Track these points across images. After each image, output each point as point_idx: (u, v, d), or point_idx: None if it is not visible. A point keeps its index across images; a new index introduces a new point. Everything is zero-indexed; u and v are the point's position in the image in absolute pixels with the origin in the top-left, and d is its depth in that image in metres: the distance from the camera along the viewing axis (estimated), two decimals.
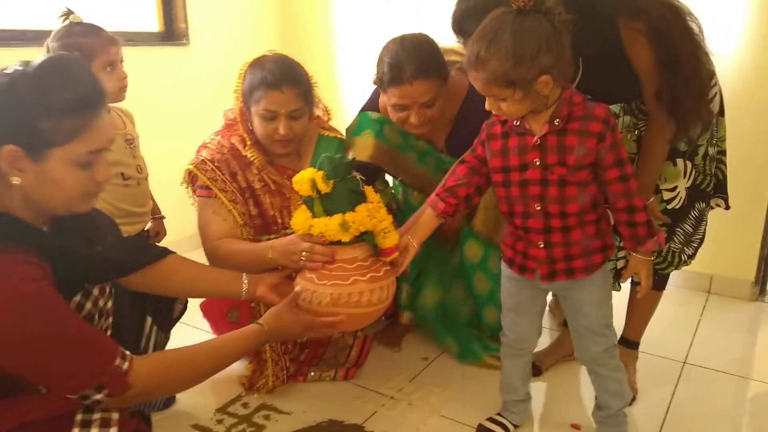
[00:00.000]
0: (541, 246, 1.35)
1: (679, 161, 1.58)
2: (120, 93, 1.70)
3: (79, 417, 1.06)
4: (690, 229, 1.67)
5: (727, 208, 1.73)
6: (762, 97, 2.21)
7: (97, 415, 1.07)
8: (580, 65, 1.44)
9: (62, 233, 1.15)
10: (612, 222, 1.40)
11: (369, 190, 1.40)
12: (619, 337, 1.84)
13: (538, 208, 1.31)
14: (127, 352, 1.07)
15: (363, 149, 1.80)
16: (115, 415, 1.08)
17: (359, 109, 1.94)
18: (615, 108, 1.62)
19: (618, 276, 1.73)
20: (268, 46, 1.88)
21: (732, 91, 1.84)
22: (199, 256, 1.65)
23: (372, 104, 1.91)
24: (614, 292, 1.52)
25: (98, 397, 1.03)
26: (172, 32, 2.93)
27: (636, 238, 1.33)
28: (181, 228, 2.26)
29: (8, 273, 0.96)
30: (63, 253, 1.06)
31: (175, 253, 1.45)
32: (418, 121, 1.71)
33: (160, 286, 1.42)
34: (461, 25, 1.46)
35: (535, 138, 1.28)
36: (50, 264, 1.03)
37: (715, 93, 1.57)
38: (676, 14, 1.38)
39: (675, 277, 2.36)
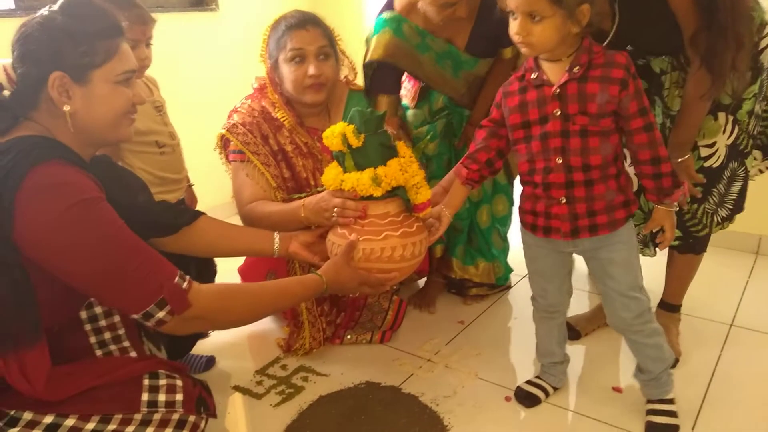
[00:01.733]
0: (563, 202, 1.31)
1: (721, 115, 1.48)
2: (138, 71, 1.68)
3: (146, 382, 1.10)
4: (723, 190, 1.58)
5: None
6: None
7: (163, 381, 1.12)
8: (617, 13, 1.37)
9: None
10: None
11: (401, 145, 1.38)
12: (659, 300, 1.80)
13: (560, 162, 1.28)
14: (186, 276, 1.12)
15: (380, 47, 1.78)
16: (179, 382, 1.13)
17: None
18: (662, 63, 1.53)
19: (645, 242, 1.68)
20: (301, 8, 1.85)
21: None
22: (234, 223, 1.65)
23: (389, 5, 1.88)
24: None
25: (161, 314, 1.06)
26: None
27: (662, 189, 1.29)
28: (214, 195, 2.27)
29: (75, 180, 1.03)
30: (110, 196, 1.09)
31: (206, 214, 1.46)
32: None
33: (193, 246, 1.43)
34: None
35: (555, 87, 1.24)
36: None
37: (766, 45, 1.45)
38: None
39: (722, 237, 2.28)
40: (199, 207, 1.74)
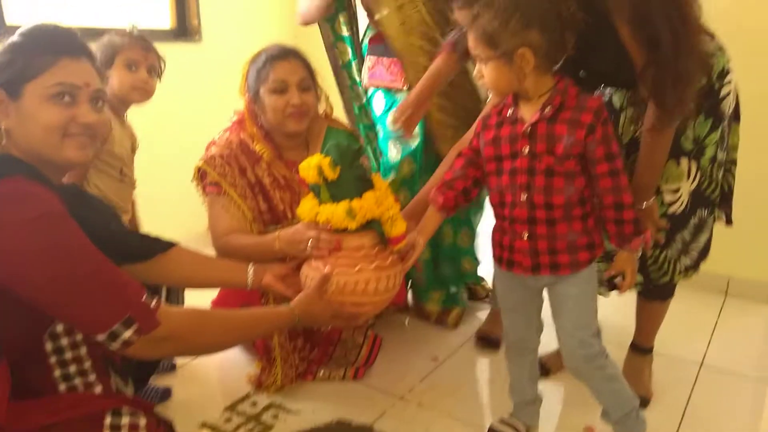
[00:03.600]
0: (526, 237, 1.32)
1: (683, 160, 1.51)
2: (132, 92, 1.69)
3: (108, 420, 1.05)
4: (688, 238, 1.59)
5: (729, 223, 1.66)
6: None
7: (125, 420, 1.06)
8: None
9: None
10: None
11: (376, 177, 1.39)
12: (631, 342, 1.80)
13: (524, 198, 1.30)
14: (155, 296, 1.09)
15: None
16: (143, 421, 1.07)
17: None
18: (621, 98, 1.56)
19: (600, 282, 1.67)
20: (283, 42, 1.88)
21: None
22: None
23: None
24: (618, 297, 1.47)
25: (127, 334, 1.02)
26: (184, 28, 2.96)
27: (623, 235, 1.31)
28: (189, 226, 2.26)
29: (38, 192, 1.00)
30: (77, 218, 1.06)
31: (180, 244, 1.45)
32: None
33: (166, 276, 1.41)
34: None
35: (526, 125, 1.28)
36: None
37: (728, 92, 1.50)
38: None
39: (691, 278, 2.30)
40: (173, 237, 1.73)
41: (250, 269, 1.47)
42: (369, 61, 2.16)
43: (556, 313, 1.41)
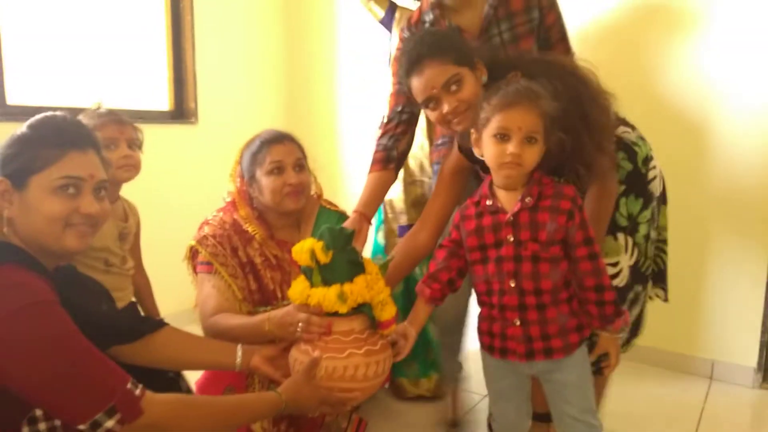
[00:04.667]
0: (518, 324, 1.35)
1: (620, 236, 1.59)
2: (118, 172, 1.66)
3: None
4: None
5: (666, 300, 1.73)
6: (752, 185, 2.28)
7: None
8: None
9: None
10: None
11: (368, 261, 1.41)
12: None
13: (513, 285, 1.33)
14: (139, 384, 1.08)
15: None
16: None
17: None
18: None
19: None
20: (275, 127, 1.95)
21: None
22: (195, 331, 1.63)
23: None
24: None
25: (109, 423, 1.01)
26: (182, 111, 3.06)
27: (605, 317, 1.34)
28: (176, 302, 2.25)
29: (27, 282, 1.02)
30: (68, 302, 1.07)
31: (169, 324, 1.45)
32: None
33: (155, 357, 1.40)
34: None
35: (508, 215, 1.33)
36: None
37: (654, 176, 1.62)
38: (575, 82, 1.46)
39: (676, 361, 2.33)
40: (162, 314, 1.73)
41: (239, 350, 1.46)
42: None
43: (557, 400, 1.41)
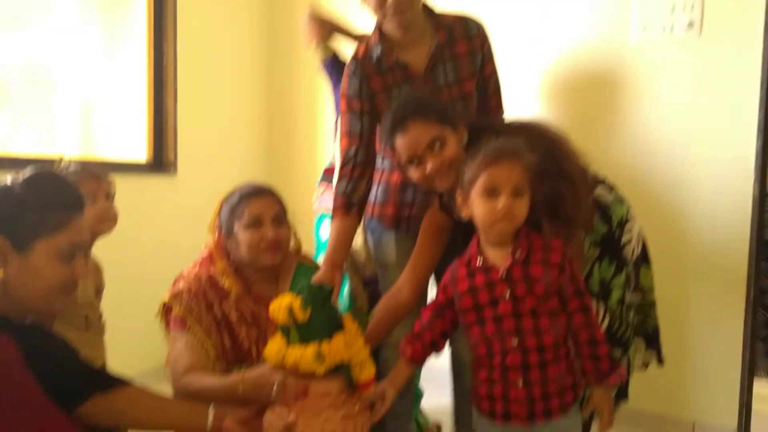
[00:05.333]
0: (520, 385, 1.31)
1: (592, 302, 1.56)
2: (98, 225, 1.65)
3: None
4: None
5: (660, 362, 1.72)
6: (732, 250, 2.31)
7: None
8: None
9: None
10: None
11: (347, 318, 1.38)
12: None
13: (515, 343, 1.30)
14: None
15: None
16: None
17: None
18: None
19: None
20: (256, 180, 1.94)
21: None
22: (166, 390, 1.56)
23: None
24: None
25: None
26: (160, 162, 3.03)
27: (599, 371, 1.32)
28: (147, 360, 2.18)
29: None
30: (41, 352, 1.07)
31: (134, 383, 1.38)
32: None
33: (120, 419, 1.33)
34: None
35: (501, 271, 1.31)
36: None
37: (630, 239, 1.64)
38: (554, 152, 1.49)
39: (655, 423, 2.30)
40: (130, 372, 1.66)
41: (210, 412, 1.38)
42: (320, 188, 2.28)
43: None
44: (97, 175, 1.70)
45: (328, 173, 2.32)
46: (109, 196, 1.71)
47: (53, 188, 1.15)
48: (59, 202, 1.13)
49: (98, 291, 1.73)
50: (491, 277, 1.33)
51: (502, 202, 1.28)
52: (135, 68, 2.96)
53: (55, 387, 1.11)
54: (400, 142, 1.53)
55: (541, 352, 1.30)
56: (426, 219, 1.70)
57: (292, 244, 1.90)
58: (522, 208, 1.30)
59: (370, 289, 2.08)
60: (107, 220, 1.68)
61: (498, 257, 1.34)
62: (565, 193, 1.44)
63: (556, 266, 1.30)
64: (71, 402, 1.22)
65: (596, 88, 2.50)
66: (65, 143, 2.68)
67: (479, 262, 1.35)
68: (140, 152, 2.99)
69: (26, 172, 1.16)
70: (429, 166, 1.50)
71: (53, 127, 2.67)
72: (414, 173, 1.55)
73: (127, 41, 2.93)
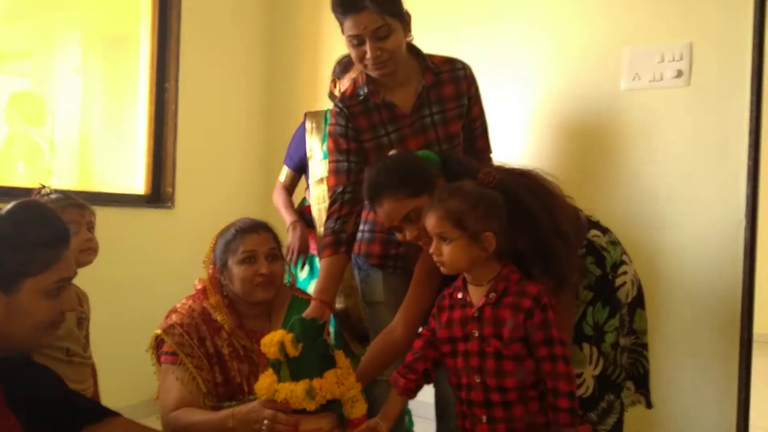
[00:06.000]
0: (485, 421, 1.32)
1: (585, 346, 1.57)
2: (81, 256, 1.62)
3: None
4: (595, 419, 1.59)
5: (649, 406, 1.71)
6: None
7: None
8: None
9: None
10: None
11: (339, 355, 1.38)
12: None
13: (478, 381, 1.32)
14: None
15: None
16: None
17: None
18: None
19: None
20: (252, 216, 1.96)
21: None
22: (155, 424, 1.54)
23: None
24: None
25: None
26: (158, 195, 3.04)
27: (557, 424, 1.28)
28: (136, 393, 2.15)
29: None
30: (27, 386, 1.04)
31: (122, 415, 1.36)
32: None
33: None
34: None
35: (474, 309, 1.34)
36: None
37: (623, 282, 1.64)
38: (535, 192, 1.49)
39: None
40: (119, 405, 1.64)
41: None
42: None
43: None
44: (80, 204, 1.67)
45: (305, 212, 2.34)
46: (91, 227, 1.69)
47: (39, 224, 1.10)
48: (47, 238, 1.09)
49: (80, 321, 1.69)
50: (466, 312, 1.35)
51: (431, 247, 1.36)
52: (135, 101, 3.00)
53: (42, 423, 1.09)
54: (378, 211, 1.56)
55: (503, 392, 1.30)
56: (420, 261, 1.71)
57: (286, 278, 1.91)
58: (450, 252, 1.32)
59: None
60: (90, 251, 1.66)
61: (476, 295, 1.36)
62: (560, 251, 1.44)
63: (523, 311, 1.30)
64: (76, 428, 1.21)
65: (586, 134, 2.54)
66: (63, 175, 2.70)
67: (460, 296, 1.38)
68: (137, 185, 3.02)
69: (9, 207, 1.10)
70: (407, 234, 1.53)
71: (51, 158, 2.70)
72: (397, 235, 1.59)
73: (128, 75, 2.98)
